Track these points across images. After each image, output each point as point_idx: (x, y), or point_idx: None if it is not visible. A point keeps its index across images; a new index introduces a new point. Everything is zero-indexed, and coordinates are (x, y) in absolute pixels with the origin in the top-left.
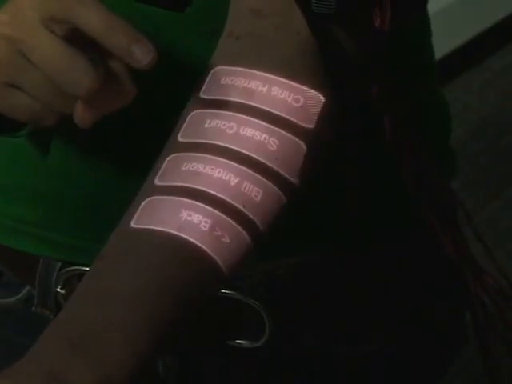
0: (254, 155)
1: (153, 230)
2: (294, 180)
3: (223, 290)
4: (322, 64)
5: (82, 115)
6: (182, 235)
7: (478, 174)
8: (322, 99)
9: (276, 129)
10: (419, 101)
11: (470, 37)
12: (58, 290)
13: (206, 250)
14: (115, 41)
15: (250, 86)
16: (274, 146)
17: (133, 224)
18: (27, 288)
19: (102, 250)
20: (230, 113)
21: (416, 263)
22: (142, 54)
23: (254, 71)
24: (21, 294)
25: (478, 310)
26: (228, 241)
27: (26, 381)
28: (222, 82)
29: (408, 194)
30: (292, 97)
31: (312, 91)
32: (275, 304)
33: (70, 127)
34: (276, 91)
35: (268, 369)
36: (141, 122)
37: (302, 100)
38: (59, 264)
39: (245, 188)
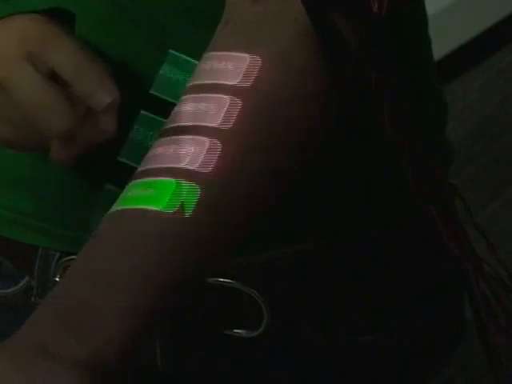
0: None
1: (143, 210)
2: (294, 166)
3: (221, 279)
4: (320, 50)
5: (57, 152)
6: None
7: (478, 174)
8: (322, 85)
9: None
10: (417, 92)
11: (470, 37)
12: (57, 279)
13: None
14: (81, 86)
15: (243, 70)
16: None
17: (116, 206)
18: (26, 279)
19: (98, 228)
20: (221, 95)
21: (416, 256)
22: (103, 97)
23: (250, 55)
24: (19, 285)
25: (478, 300)
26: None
27: (16, 355)
28: (217, 67)
29: (407, 184)
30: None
31: (312, 77)
32: (273, 293)
33: None
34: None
35: (267, 358)
36: (139, 111)
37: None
38: (58, 254)
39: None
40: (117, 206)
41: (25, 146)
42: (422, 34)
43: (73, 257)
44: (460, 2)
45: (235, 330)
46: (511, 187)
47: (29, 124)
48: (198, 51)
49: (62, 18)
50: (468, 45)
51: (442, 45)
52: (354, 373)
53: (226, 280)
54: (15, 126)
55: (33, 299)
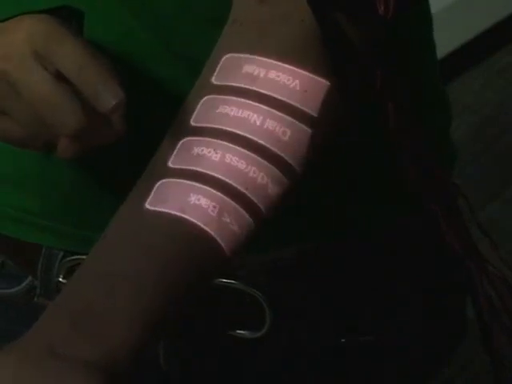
0: (261, 141)
1: (154, 212)
2: (297, 167)
3: (224, 280)
4: (326, 51)
5: (64, 150)
6: (186, 217)
7: (478, 174)
8: (327, 86)
9: (283, 115)
10: (420, 92)
11: (470, 37)
12: (60, 279)
13: (210, 232)
14: (85, 84)
15: (257, 72)
16: (282, 132)
17: (146, 205)
18: (29, 278)
19: (107, 229)
20: (240, 99)
21: (416, 256)
22: (108, 99)
23: (262, 58)
24: (23, 285)
25: (481, 300)
26: (232, 224)
27: (26, 355)
28: (233, 68)
29: (409, 184)
30: (298, 83)
31: (317, 78)
32: (276, 294)
33: None
34: (282, 78)
35: (268, 358)
36: (146, 109)
37: (307, 87)
38: (61, 253)
39: (253, 173)
40: (127, 205)
41: (28, 143)
42: (424, 34)
43: (77, 257)
44: (460, 1)
45: (238, 331)
46: (511, 187)
47: (38, 122)
48: (204, 50)
49: (71, 16)
50: (468, 45)
51: (442, 45)
52: (354, 373)
53: (229, 281)
54: (21, 123)
55: (35, 299)
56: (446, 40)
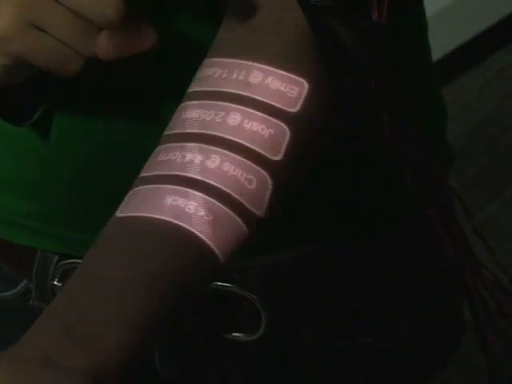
0: (248, 144)
1: (148, 218)
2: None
3: (220, 283)
4: (320, 56)
5: (106, 46)
6: (177, 223)
7: (478, 174)
8: (320, 90)
9: (272, 119)
10: (417, 94)
11: (469, 37)
12: (55, 283)
13: (202, 237)
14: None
15: (245, 77)
16: (269, 135)
17: (119, 213)
18: (25, 282)
19: (97, 239)
20: (225, 103)
21: (416, 256)
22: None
23: (251, 63)
24: (19, 288)
25: (477, 304)
26: (224, 227)
27: (19, 364)
28: (219, 74)
29: (406, 186)
30: (289, 88)
31: (301, 80)
32: (272, 297)
33: (70, 120)
34: (273, 82)
35: (267, 362)
36: (141, 113)
37: (298, 91)
38: (56, 257)
39: (240, 176)
40: (118, 213)
41: (66, 59)
42: (420, 34)
43: (72, 260)
44: (460, 2)
45: (234, 334)
46: (511, 187)
47: (73, 26)
48: (198, 53)
49: None
50: (468, 45)
51: (442, 45)
52: (353, 373)
53: (225, 284)
54: (59, 33)
55: (31, 302)
56: (446, 40)
